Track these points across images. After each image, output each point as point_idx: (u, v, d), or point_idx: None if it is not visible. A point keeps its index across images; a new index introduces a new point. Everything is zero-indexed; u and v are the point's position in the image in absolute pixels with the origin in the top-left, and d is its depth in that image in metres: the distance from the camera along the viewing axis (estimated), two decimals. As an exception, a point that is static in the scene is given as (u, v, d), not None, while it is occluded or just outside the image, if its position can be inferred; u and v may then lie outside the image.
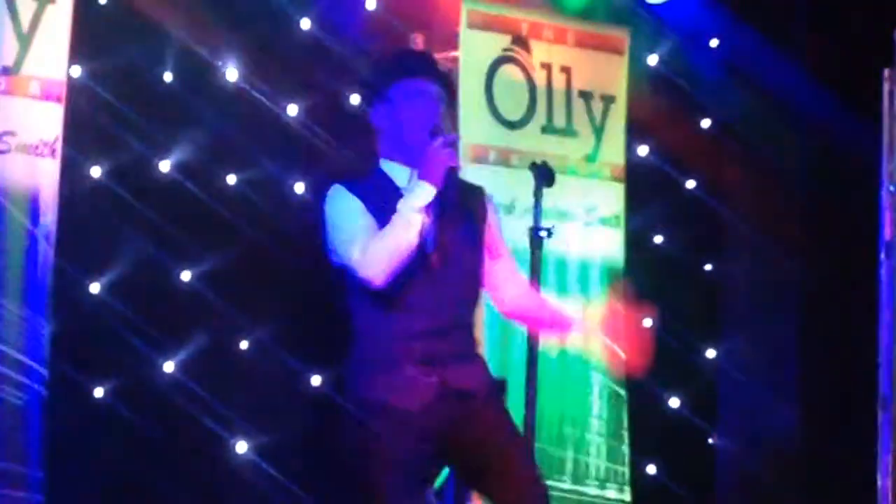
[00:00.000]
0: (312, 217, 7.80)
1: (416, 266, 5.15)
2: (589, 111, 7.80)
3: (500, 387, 5.79)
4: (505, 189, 7.48)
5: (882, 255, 7.76)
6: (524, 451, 5.46)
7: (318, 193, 7.96)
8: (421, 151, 5.14)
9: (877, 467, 7.78)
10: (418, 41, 7.77)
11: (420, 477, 5.38)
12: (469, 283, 5.30)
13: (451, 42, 7.74)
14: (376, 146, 5.40)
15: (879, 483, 7.74)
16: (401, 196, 5.19)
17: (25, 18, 6.39)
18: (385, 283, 5.10)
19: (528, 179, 5.70)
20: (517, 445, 5.39)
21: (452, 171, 5.12)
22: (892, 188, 7.69)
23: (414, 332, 5.20)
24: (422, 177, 5.10)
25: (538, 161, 5.64)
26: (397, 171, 5.32)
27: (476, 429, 5.23)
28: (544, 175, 5.45)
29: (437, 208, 5.06)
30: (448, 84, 5.48)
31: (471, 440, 5.22)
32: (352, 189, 5.34)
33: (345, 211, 5.32)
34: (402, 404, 5.16)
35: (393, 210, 5.18)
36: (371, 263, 5.09)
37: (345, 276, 5.31)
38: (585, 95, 7.84)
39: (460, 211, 5.18)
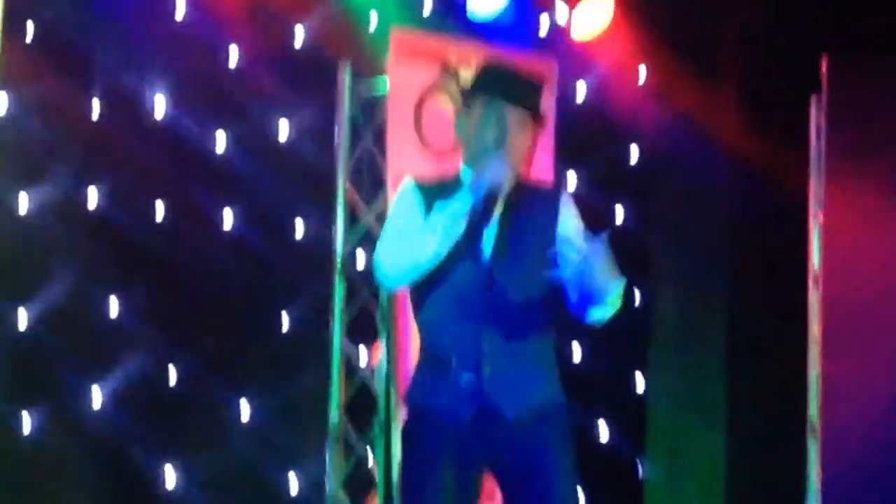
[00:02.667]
0: (241, 247, 7.95)
1: (470, 275, 5.02)
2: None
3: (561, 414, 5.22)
4: (435, 219, 7.37)
5: (810, 284, 8.12)
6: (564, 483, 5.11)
7: (247, 223, 8.10)
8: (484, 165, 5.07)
9: (805, 495, 7.82)
10: (343, 71, 7.69)
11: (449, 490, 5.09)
12: (526, 292, 5.07)
13: (380, 72, 7.74)
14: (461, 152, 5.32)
15: (809, 511, 7.85)
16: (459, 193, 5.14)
17: (-49, 49, 6.12)
18: (396, 288, 5.24)
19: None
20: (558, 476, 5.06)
21: (519, 185, 5.06)
22: (820, 216, 7.74)
23: (458, 336, 5.04)
24: (480, 184, 4.95)
25: None
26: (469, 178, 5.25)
27: (510, 460, 5.02)
28: None
29: (497, 219, 4.97)
30: (533, 104, 5.26)
31: (502, 471, 5.03)
32: (420, 187, 5.21)
33: (398, 207, 5.22)
34: (448, 407, 5.00)
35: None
36: (386, 263, 4.99)
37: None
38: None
39: (528, 220, 5.08)
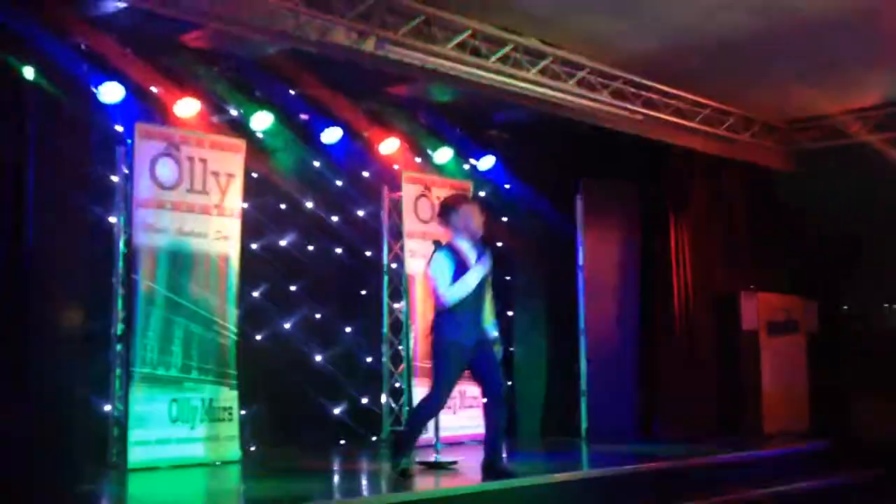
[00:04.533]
0: (347, 266, 9.02)
1: (476, 291, 6.32)
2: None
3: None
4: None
5: (579, 277, 9.81)
6: (498, 370, 6.49)
7: (350, 257, 9.01)
8: (474, 244, 6.25)
9: (579, 362, 9.52)
10: (384, 189, 9.05)
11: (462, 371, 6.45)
12: (486, 294, 6.53)
13: (399, 188, 9.09)
14: (450, 233, 6.45)
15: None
16: (466, 258, 6.30)
17: None
18: (453, 304, 6.18)
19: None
20: (496, 366, 6.47)
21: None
22: (582, 252, 9.62)
23: (469, 314, 6.33)
24: (481, 263, 6.28)
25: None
26: (464, 245, 6.36)
27: (485, 356, 6.40)
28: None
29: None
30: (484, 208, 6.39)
31: (482, 359, 6.38)
32: (447, 253, 6.32)
33: (441, 265, 6.27)
34: (463, 340, 6.31)
35: (462, 263, 6.27)
36: (452, 296, 6.22)
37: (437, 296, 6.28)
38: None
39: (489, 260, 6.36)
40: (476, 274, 6.19)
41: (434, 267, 6.22)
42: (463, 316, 6.28)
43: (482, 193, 9.69)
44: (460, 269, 6.21)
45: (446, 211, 6.46)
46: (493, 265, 6.39)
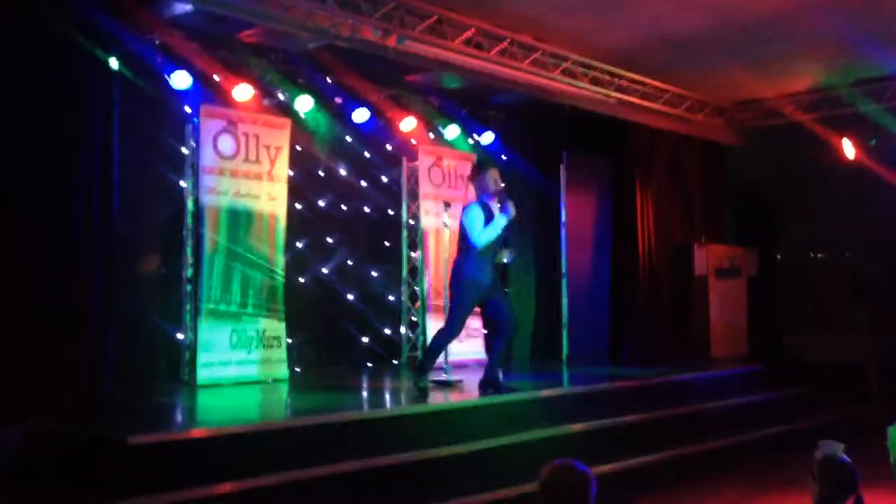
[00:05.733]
0: (375, 225, 8.66)
1: (498, 237, 6.22)
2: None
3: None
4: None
5: (562, 231, 9.73)
6: (511, 310, 6.35)
7: (378, 216, 8.59)
8: (497, 199, 6.07)
9: (561, 302, 9.04)
10: (404, 159, 8.70)
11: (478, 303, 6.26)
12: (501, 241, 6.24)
13: (416, 159, 8.90)
14: (476, 191, 6.31)
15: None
16: (493, 209, 6.22)
17: None
18: (481, 247, 6.07)
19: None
20: (507, 299, 6.43)
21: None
22: (564, 207, 9.57)
23: (488, 258, 6.23)
24: (505, 213, 6.14)
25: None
26: (490, 202, 6.26)
27: (499, 297, 6.33)
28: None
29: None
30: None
31: (498, 300, 6.28)
32: (479, 206, 6.21)
33: (475, 214, 6.16)
34: (482, 280, 6.21)
35: (491, 214, 6.20)
36: (482, 238, 6.08)
37: (468, 240, 6.13)
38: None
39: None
40: (502, 221, 6.09)
41: (469, 216, 6.08)
42: (483, 259, 6.17)
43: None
44: (489, 218, 6.11)
45: (474, 173, 6.39)
46: (515, 214, 6.27)
